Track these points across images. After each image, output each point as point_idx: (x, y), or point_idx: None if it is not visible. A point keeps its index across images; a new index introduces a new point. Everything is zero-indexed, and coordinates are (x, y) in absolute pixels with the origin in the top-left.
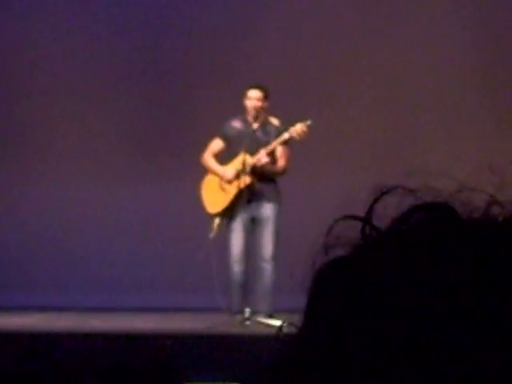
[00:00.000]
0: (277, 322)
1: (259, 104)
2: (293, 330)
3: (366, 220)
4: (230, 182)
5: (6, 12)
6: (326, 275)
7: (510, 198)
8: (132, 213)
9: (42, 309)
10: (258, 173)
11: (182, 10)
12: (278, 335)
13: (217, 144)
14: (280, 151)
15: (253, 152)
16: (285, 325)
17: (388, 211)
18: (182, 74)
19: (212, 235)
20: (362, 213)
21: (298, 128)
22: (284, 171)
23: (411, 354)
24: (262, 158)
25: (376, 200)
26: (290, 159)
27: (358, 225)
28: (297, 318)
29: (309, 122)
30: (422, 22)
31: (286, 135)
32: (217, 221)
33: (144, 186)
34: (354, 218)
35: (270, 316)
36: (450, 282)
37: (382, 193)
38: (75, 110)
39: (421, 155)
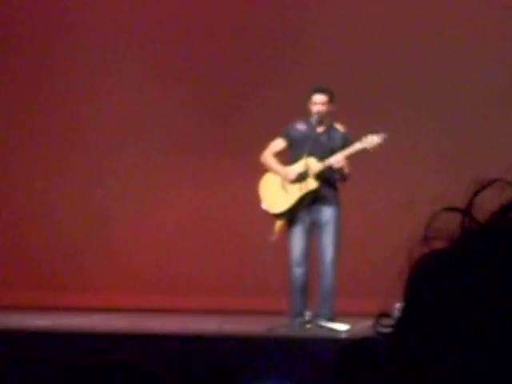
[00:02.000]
0: (338, 326)
1: (324, 108)
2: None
3: (467, 212)
4: (292, 182)
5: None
6: (425, 267)
7: None
8: (193, 214)
9: (101, 310)
10: (321, 177)
11: (250, 11)
12: (374, 327)
13: (278, 144)
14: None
15: (317, 156)
16: (348, 328)
17: (486, 205)
18: (246, 74)
19: (274, 237)
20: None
21: (374, 141)
22: (347, 177)
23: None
24: (340, 160)
25: (476, 193)
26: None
27: (457, 219)
28: (358, 322)
29: (385, 136)
30: (492, 29)
31: (358, 145)
32: (279, 223)
33: (205, 185)
34: (455, 210)
35: (331, 319)
36: None
37: (481, 187)
38: (134, 105)
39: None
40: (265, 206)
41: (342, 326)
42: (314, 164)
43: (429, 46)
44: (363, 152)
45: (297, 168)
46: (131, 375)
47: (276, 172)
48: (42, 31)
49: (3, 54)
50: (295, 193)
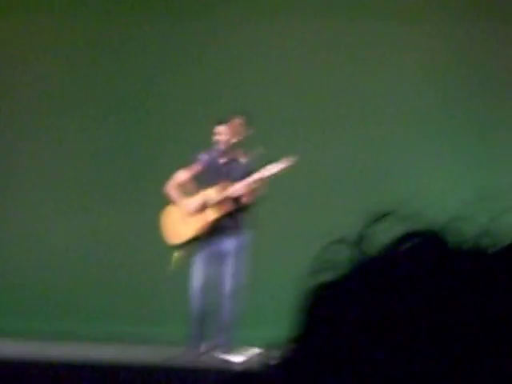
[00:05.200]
0: (233, 357)
1: (225, 138)
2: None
3: (355, 245)
4: (192, 214)
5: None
6: (316, 298)
7: (501, 229)
8: (91, 242)
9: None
10: (220, 208)
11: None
12: (262, 360)
13: (182, 175)
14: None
15: (218, 187)
16: (245, 360)
17: (378, 238)
18: (152, 103)
19: (171, 268)
20: (348, 241)
21: (272, 170)
22: (249, 207)
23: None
24: (238, 190)
25: (367, 226)
26: (253, 195)
27: (347, 251)
28: (255, 353)
29: (283, 165)
30: (410, 57)
31: (258, 175)
32: (176, 254)
33: (104, 214)
34: (344, 242)
35: (227, 351)
36: (435, 312)
37: (373, 219)
38: (39, 132)
39: (413, 184)
40: (166, 237)
41: (237, 358)
42: (212, 195)
43: (343, 72)
44: (275, 177)
45: (196, 199)
46: None
47: (177, 204)
48: None
49: None
50: (195, 224)
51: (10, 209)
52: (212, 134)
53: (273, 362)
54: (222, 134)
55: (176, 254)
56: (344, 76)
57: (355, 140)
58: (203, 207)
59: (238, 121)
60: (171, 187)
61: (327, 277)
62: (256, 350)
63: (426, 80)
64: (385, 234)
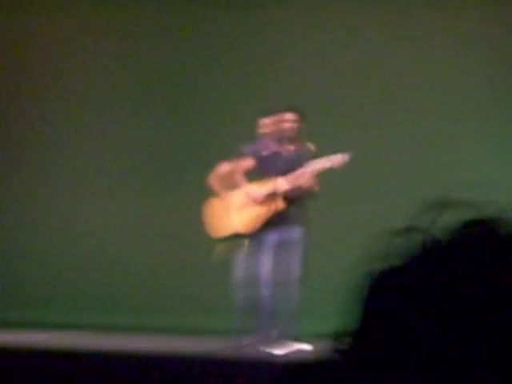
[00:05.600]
0: (302, 346)
1: (293, 126)
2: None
3: (410, 235)
4: (259, 202)
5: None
6: (373, 287)
7: None
8: (136, 234)
9: (52, 326)
10: (288, 195)
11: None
12: (334, 340)
13: (225, 167)
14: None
15: (284, 175)
16: (313, 349)
17: (432, 228)
18: (202, 93)
19: (215, 260)
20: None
21: (339, 159)
22: (315, 196)
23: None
24: (308, 179)
25: (438, 212)
26: (314, 185)
27: (402, 241)
28: (321, 342)
29: (348, 155)
30: (467, 48)
31: (326, 163)
32: (219, 246)
33: (148, 205)
34: (398, 232)
35: (296, 339)
36: (491, 300)
37: (426, 209)
38: (85, 122)
39: (467, 174)
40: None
41: (281, 351)
42: (282, 184)
43: (396, 64)
44: (328, 171)
45: (265, 188)
46: None
47: (220, 196)
48: None
49: None
50: (262, 212)
51: (54, 203)
52: (256, 126)
53: (328, 354)
54: (287, 121)
55: (219, 246)
56: (397, 69)
57: (409, 132)
58: (272, 196)
59: (288, 115)
60: (214, 179)
61: (381, 266)
62: (303, 344)
63: (483, 71)
64: (439, 224)
